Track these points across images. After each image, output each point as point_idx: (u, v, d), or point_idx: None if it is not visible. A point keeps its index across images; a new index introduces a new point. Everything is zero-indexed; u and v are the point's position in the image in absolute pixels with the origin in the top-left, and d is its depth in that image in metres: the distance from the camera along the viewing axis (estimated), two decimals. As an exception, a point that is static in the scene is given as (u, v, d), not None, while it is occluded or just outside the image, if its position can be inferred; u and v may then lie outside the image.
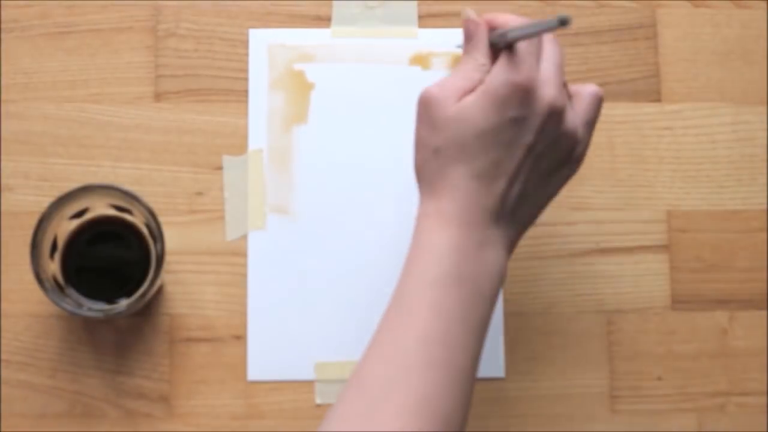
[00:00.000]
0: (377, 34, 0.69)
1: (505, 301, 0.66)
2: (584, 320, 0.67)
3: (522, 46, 0.52)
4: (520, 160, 0.53)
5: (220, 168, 0.67)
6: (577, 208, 0.68)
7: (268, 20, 0.69)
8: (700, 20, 0.70)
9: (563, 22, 0.47)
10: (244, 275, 0.66)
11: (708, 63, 0.70)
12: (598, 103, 0.56)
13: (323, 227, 0.67)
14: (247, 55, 0.68)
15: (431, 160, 0.54)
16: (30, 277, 0.58)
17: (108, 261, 0.64)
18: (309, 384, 0.65)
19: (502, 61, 0.53)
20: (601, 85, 0.69)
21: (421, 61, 0.69)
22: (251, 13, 0.69)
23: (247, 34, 0.69)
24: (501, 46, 0.53)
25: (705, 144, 0.69)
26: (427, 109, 0.54)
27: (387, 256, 0.67)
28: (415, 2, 0.69)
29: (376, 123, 0.68)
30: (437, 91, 0.54)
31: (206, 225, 0.66)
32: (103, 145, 0.67)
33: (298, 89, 0.68)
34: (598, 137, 0.68)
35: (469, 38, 0.55)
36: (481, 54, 0.55)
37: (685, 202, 0.68)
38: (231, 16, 0.69)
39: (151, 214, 0.59)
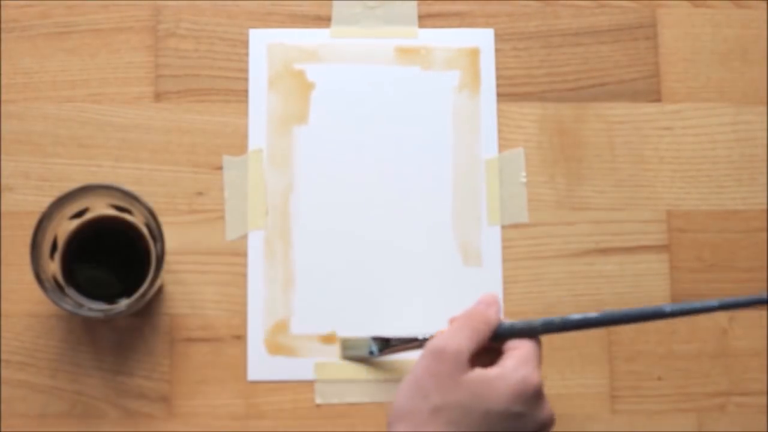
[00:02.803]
0: (377, 34, 0.69)
1: (505, 301, 0.66)
2: (584, 320, 0.67)
3: (537, 349, 0.56)
4: None
5: (220, 168, 0.67)
6: (577, 208, 0.68)
7: (268, 20, 0.69)
8: (700, 20, 0.70)
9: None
10: (244, 275, 0.66)
11: (708, 63, 0.70)
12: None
13: (323, 227, 0.67)
14: (247, 55, 0.68)
15: (425, 414, 0.53)
16: (30, 277, 0.58)
17: (108, 261, 0.64)
18: (309, 384, 0.65)
19: (524, 355, 0.56)
20: (601, 85, 0.69)
21: (420, 61, 0.69)
22: (251, 13, 0.69)
23: (247, 34, 0.69)
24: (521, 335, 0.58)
25: (705, 144, 0.69)
26: (439, 362, 0.54)
27: (387, 255, 0.67)
28: (415, 2, 0.69)
29: (376, 123, 0.68)
30: (454, 346, 0.54)
31: (206, 225, 0.66)
32: (103, 145, 0.67)
33: (298, 89, 0.68)
34: (599, 137, 0.68)
35: (490, 303, 0.59)
36: (487, 325, 0.57)
37: (685, 202, 0.68)
38: (231, 16, 0.69)
39: (151, 214, 0.59)
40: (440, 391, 0.53)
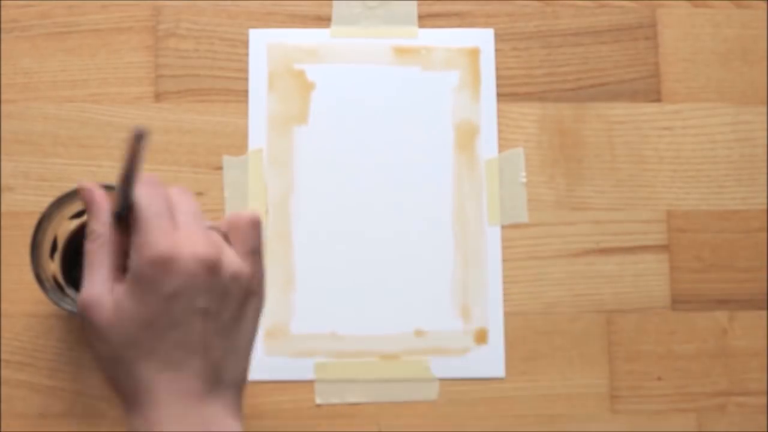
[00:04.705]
0: (377, 34, 0.69)
1: (505, 301, 0.66)
2: (584, 320, 0.67)
3: (147, 211, 0.47)
4: (202, 329, 0.47)
5: (220, 168, 0.67)
6: (577, 208, 0.68)
7: (268, 20, 0.69)
8: (700, 20, 0.70)
9: (140, 137, 0.44)
10: (244, 275, 0.66)
11: (708, 63, 0.70)
12: (256, 228, 0.50)
13: (323, 227, 0.67)
14: (247, 55, 0.68)
15: (113, 370, 0.48)
16: (30, 277, 0.58)
17: (108, 261, 0.64)
18: (309, 384, 0.65)
19: (135, 235, 0.47)
20: (601, 85, 0.69)
21: (420, 61, 0.69)
22: (251, 13, 0.69)
23: (247, 34, 0.69)
24: (124, 214, 0.48)
25: (705, 144, 0.69)
26: (87, 319, 0.48)
27: (387, 255, 0.67)
28: (415, 2, 0.69)
29: (376, 123, 0.68)
30: (87, 295, 0.48)
31: (206, 225, 0.66)
32: (103, 145, 0.67)
33: (298, 89, 0.68)
34: (599, 137, 0.68)
35: (88, 208, 0.50)
36: (100, 223, 0.49)
37: (685, 202, 0.68)
38: (231, 16, 0.69)
39: (151, 214, 0.59)
40: (104, 342, 0.48)
